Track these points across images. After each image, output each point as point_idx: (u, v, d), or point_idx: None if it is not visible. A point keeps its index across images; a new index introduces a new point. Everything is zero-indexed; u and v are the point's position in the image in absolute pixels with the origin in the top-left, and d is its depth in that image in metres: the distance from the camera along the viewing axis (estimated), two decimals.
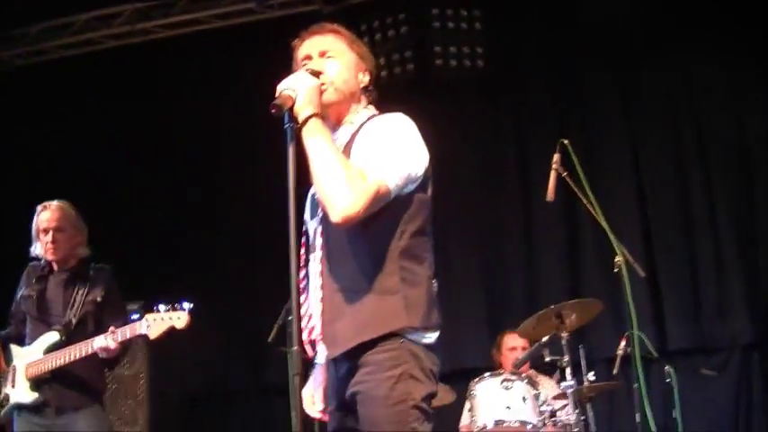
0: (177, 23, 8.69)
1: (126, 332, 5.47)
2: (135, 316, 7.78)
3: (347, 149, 3.36)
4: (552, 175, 5.92)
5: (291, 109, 3.26)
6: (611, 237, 5.67)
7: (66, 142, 9.00)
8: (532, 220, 8.19)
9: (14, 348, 5.85)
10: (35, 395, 5.64)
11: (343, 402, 3.33)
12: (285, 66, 3.55)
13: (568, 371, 6.00)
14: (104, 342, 5.43)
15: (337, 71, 3.48)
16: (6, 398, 5.75)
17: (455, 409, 7.02)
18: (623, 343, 6.02)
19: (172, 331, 5.42)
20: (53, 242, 5.80)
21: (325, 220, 3.33)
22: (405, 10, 8.36)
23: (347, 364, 3.29)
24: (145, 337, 5.43)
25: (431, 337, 3.31)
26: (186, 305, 5.41)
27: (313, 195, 3.50)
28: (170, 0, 8.58)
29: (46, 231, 5.82)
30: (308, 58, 3.54)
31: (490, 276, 8.28)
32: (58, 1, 8.63)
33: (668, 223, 7.98)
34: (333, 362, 3.38)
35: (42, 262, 5.93)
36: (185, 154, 8.91)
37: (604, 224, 5.70)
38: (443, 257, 8.33)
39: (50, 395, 5.64)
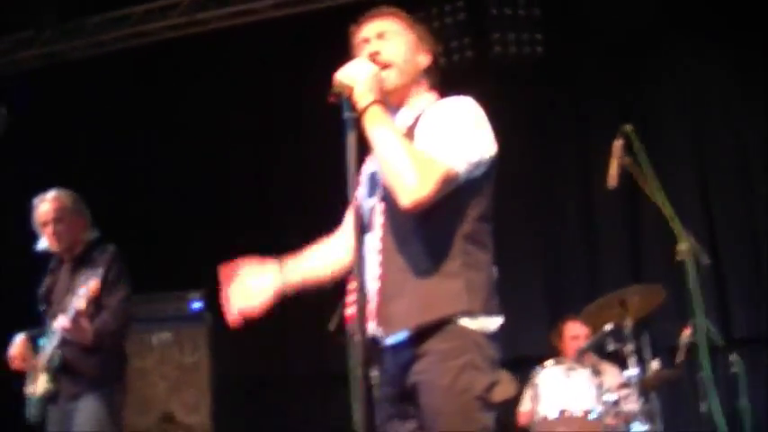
0: (234, 14, 8.67)
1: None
2: (197, 304, 7.89)
3: (410, 133, 3.34)
4: (614, 161, 5.85)
5: (350, 97, 3.24)
6: (676, 223, 5.59)
7: (122, 134, 9.05)
8: (593, 207, 8.11)
9: (42, 342, 5.84)
10: (48, 386, 5.65)
11: (403, 391, 3.28)
12: (344, 55, 3.51)
13: (632, 359, 5.95)
14: (61, 321, 5.43)
15: (396, 50, 3.47)
16: (32, 393, 5.76)
17: (519, 398, 6.96)
18: (687, 331, 5.95)
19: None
20: (54, 233, 5.83)
21: (388, 199, 3.30)
22: None
23: (409, 352, 3.26)
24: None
25: (492, 325, 3.27)
26: None
27: (371, 174, 3.49)
28: None
29: (45, 224, 5.84)
30: (366, 41, 3.53)
31: (550, 263, 8.23)
32: None
33: (731, 209, 7.87)
34: (392, 349, 3.33)
35: (55, 256, 5.96)
36: (243, 145, 8.93)
37: (668, 211, 5.62)
38: (502, 243, 8.23)
39: (62, 383, 5.64)
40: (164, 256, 8.80)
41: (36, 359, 5.77)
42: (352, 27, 3.61)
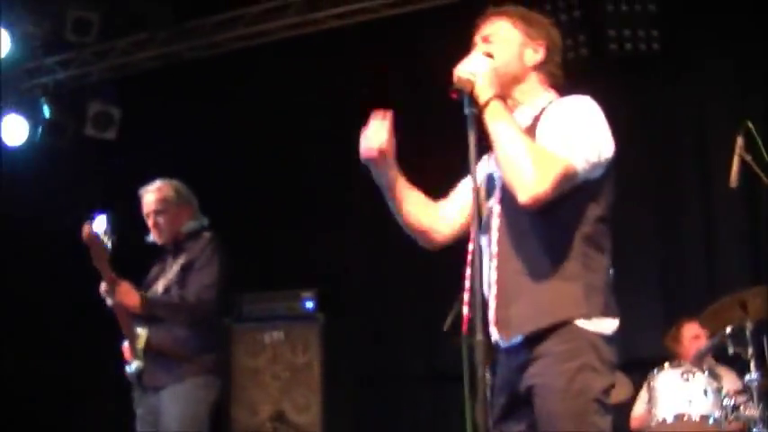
0: (347, 13, 8.67)
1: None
2: (309, 303, 7.91)
3: (530, 132, 3.28)
4: (735, 159, 5.70)
5: (471, 93, 3.21)
6: None
7: (236, 134, 9.14)
8: (713, 206, 7.91)
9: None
10: (138, 363, 5.59)
11: (516, 394, 3.24)
12: (459, 52, 3.45)
13: (752, 363, 5.80)
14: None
15: (496, 54, 3.40)
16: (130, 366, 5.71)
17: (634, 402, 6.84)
18: None
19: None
20: (155, 225, 5.82)
21: (505, 201, 3.28)
22: None
23: (523, 355, 3.23)
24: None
25: (610, 328, 3.22)
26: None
27: (489, 175, 3.45)
28: None
29: (148, 216, 5.83)
30: (483, 39, 3.49)
31: (668, 264, 8.05)
32: None
33: None
34: (506, 351, 3.30)
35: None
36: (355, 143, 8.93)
37: None
38: (618, 243, 8.12)
39: (153, 366, 5.59)
40: (277, 254, 8.86)
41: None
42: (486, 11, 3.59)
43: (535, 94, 3.46)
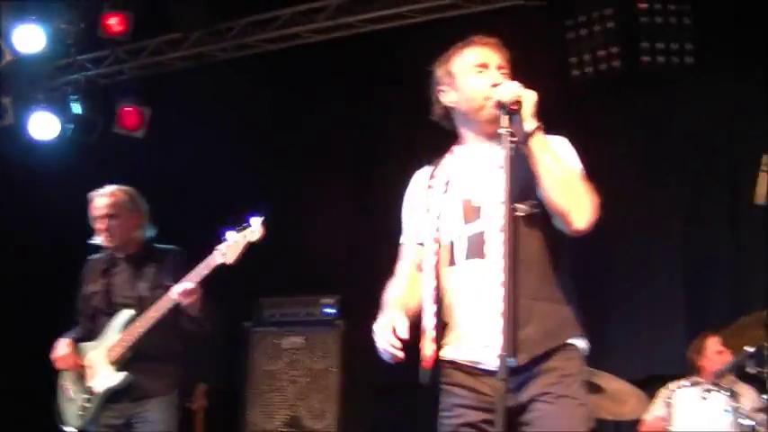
0: (380, 18, 8.66)
1: (202, 270, 5.40)
2: (330, 310, 7.89)
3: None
4: (761, 176, 5.67)
5: (518, 112, 3.35)
6: None
7: (262, 135, 9.14)
8: (740, 223, 7.81)
9: (85, 345, 5.80)
10: (122, 374, 5.57)
11: (511, 411, 3.30)
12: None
13: None
14: (181, 286, 5.37)
15: None
16: (90, 391, 5.69)
17: None
18: None
19: (249, 247, 5.39)
20: (106, 229, 5.77)
21: (513, 227, 3.33)
22: (612, 4, 8.11)
23: (525, 374, 3.38)
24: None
25: (587, 347, 3.55)
26: (254, 218, 5.41)
27: (468, 201, 3.57)
28: None
29: (98, 219, 5.79)
30: (485, 66, 3.62)
31: (691, 280, 7.95)
32: None
33: None
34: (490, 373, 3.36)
35: (105, 255, 5.92)
36: (384, 151, 8.93)
37: None
38: (643, 259, 8.09)
39: (139, 375, 5.58)
40: (298, 259, 8.86)
41: (86, 357, 5.74)
42: (465, 43, 3.74)
43: None
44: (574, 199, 3.33)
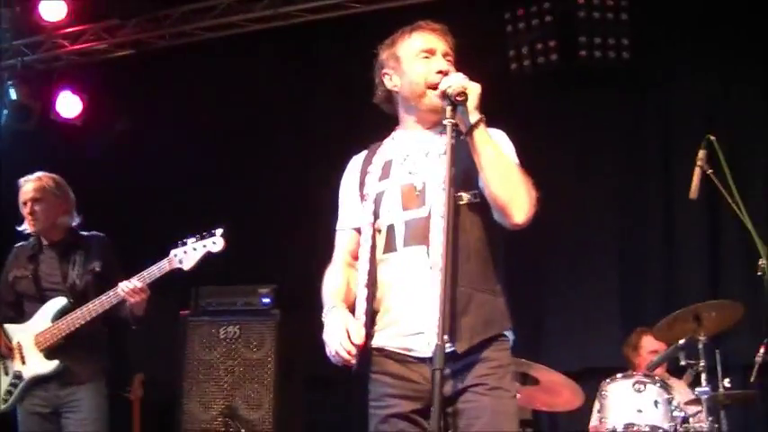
0: (321, 8, 8.62)
1: (154, 272, 5.45)
2: (266, 299, 7.86)
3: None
4: (696, 171, 5.72)
5: (462, 103, 3.37)
6: (756, 238, 5.46)
7: (202, 123, 9.10)
8: (673, 218, 7.91)
9: (10, 327, 5.82)
10: (54, 362, 5.60)
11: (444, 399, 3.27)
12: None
13: (703, 376, 5.81)
14: (130, 284, 5.39)
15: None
16: (18, 375, 5.71)
17: (584, 410, 6.83)
18: (762, 350, 5.79)
19: (208, 257, 5.45)
20: (31, 213, 5.82)
21: (455, 216, 3.35)
22: None
23: (458, 362, 3.37)
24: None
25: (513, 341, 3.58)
26: (218, 230, 5.45)
27: (407, 186, 3.57)
28: None
29: (25, 204, 5.84)
30: (431, 52, 3.63)
31: (626, 274, 8.04)
32: None
33: None
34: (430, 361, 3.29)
35: (32, 241, 5.96)
36: (321, 144, 8.93)
37: (749, 225, 5.49)
38: (579, 252, 8.16)
39: (69, 362, 5.62)
40: (235, 249, 8.82)
41: (14, 340, 5.76)
42: (411, 28, 3.73)
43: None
44: (513, 192, 3.34)
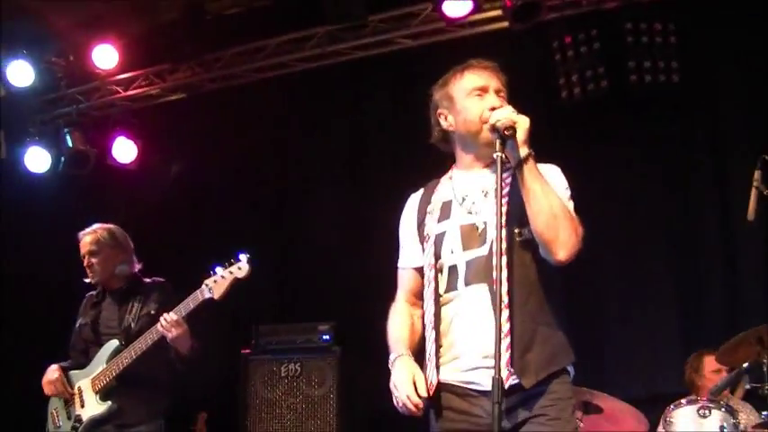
0: (369, 45, 8.68)
1: (188, 304, 5.55)
2: (326, 336, 7.90)
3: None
4: (753, 192, 5.68)
5: (512, 137, 3.41)
6: None
7: (255, 164, 9.17)
8: (731, 240, 7.82)
9: (75, 373, 5.99)
10: (107, 404, 5.75)
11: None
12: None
13: None
14: (167, 317, 5.50)
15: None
16: (78, 419, 5.84)
17: None
18: None
19: (236, 284, 5.51)
20: (89, 266, 6.04)
21: (513, 252, 3.44)
22: (597, 25, 8.15)
23: (523, 394, 3.40)
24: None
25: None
26: (243, 255, 5.51)
27: (466, 227, 3.61)
28: (363, 22, 8.52)
29: (83, 257, 6.05)
30: (484, 90, 3.67)
31: (686, 298, 7.95)
32: (249, 26, 8.89)
33: None
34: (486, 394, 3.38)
35: (98, 290, 6.14)
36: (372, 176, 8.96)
37: None
38: (637, 278, 8.09)
39: (123, 403, 5.74)
40: (295, 287, 8.87)
41: (76, 385, 5.92)
42: (463, 67, 3.80)
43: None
44: (557, 230, 3.36)
